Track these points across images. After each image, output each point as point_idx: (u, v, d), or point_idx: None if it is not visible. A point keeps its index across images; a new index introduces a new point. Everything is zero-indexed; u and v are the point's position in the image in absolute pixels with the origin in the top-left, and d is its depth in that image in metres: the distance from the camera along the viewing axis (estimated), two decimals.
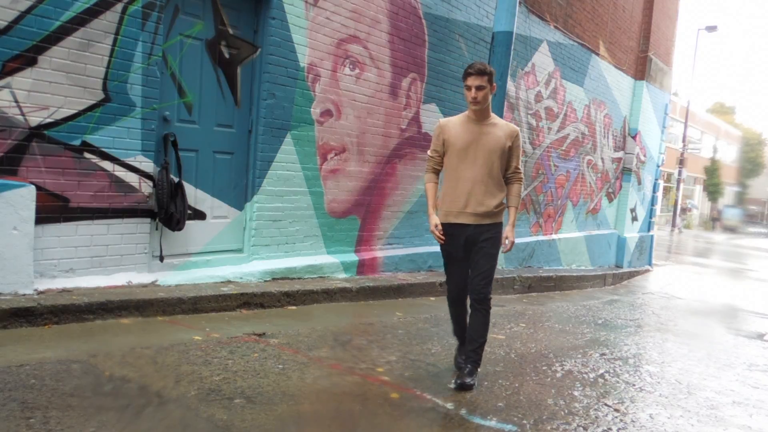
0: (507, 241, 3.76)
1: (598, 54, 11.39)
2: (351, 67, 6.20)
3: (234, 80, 5.32)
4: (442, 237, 3.66)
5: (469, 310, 3.78)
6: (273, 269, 5.59)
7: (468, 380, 3.62)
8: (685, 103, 33.47)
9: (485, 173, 3.63)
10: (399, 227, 7.10)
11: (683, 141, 32.08)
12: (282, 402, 3.10)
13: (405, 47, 6.82)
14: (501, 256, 8.82)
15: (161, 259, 4.80)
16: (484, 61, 4.34)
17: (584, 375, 4.33)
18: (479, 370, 3.77)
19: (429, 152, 3.85)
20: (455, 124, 3.72)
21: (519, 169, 3.79)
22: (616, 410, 3.66)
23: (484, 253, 3.66)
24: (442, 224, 3.69)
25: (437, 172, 3.83)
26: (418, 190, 7.22)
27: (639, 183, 13.79)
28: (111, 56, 4.36)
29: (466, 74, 3.60)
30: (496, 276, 7.71)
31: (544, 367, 4.38)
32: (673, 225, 31.59)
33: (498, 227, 3.73)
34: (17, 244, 3.90)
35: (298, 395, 3.23)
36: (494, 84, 3.65)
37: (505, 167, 3.73)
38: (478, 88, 3.55)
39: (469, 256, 3.71)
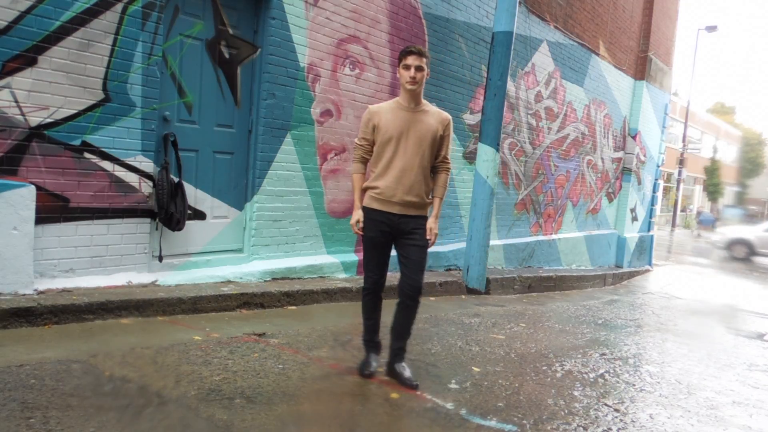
0: (432, 233, 3.56)
1: (598, 54, 11.39)
2: (351, 67, 6.20)
3: (234, 80, 5.32)
4: (360, 232, 3.56)
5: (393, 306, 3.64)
6: (273, 269, 5.59)
7: (414, 382, 3.52)
8: (685, 103, 33.49)
9: (416, 162, 3.50)
10: None
11: (683, 141, 32.09)
12: (282, 402, 3.10)
13: (405, 47, 6.81)
14: (501, 256, 8.97)
15: (160, 259, 4.80)
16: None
17: (584, 375, 4.32)
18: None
19: (357, 140, 3.64)
20: (386, 111, 3.57)
21: (448, 158, 3.65)
22: (616, 410, 3.66)
23: (413, 245, 3.53)
24: (367, 209, 3.55)
25: (366, 162, 3.63)
26: None
27: (639, 183, 13.80)
28: (111, 56, 4.36)
29: (408, 53, 3.51)
30: (496, 276, 7.76)
31: (544, 367, 4.38)
32: (673, 225, 31.59)
33: (425, 220, 3.59)
34: (17, 244, 3.90)
35: (298, 395, 3.23)
36: (429, 70, 3.58)
37: (435, 156, 3.58)
38: (418, 68, 3.47)
39: (390, 247, 3.61)
